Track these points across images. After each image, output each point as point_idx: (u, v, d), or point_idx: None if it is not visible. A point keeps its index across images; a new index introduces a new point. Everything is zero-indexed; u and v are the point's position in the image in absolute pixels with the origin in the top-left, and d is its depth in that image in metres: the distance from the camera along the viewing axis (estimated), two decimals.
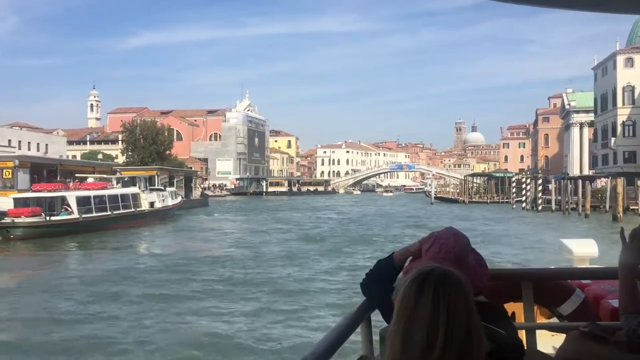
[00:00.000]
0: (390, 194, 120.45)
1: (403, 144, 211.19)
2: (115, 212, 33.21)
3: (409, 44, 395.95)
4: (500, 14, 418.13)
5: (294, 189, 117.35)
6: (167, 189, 42.92)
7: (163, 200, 40.46)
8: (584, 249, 5.26)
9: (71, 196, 30.27)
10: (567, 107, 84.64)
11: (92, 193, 31.75)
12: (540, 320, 3.40)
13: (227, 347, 10.17)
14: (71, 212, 29.91)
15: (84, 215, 30.25)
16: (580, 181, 48.42)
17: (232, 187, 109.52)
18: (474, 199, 73.38)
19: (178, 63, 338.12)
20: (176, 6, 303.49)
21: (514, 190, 61.59)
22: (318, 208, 60.37)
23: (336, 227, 35.40)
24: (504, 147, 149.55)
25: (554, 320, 3.27)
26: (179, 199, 45.26)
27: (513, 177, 76.20)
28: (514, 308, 2.98)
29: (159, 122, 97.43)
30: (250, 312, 12.77)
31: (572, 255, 5.25)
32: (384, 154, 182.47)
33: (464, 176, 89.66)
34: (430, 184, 77.95)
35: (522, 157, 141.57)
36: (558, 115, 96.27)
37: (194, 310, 13.09)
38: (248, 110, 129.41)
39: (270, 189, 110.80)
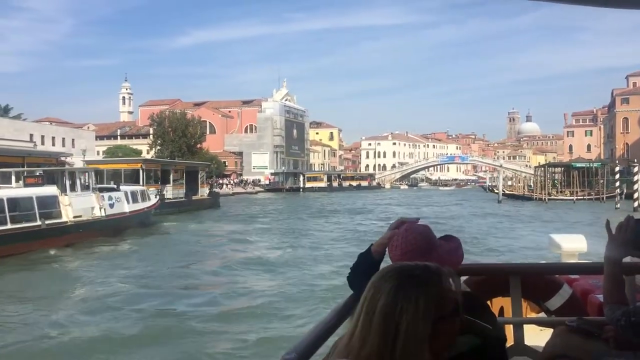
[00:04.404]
0: (447, 188, 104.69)
1: (453, 135, 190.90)
2: None
3: (455, 36, 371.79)
4: (549, 2, 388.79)
5: (335, 184, 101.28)
6: (123, 187, 27.83)
7: (112, 204, 25.57)
8: (573, 244, 4.97)
9: None
10: None
11: None
12: (530, 314, 3.26)
13: None
14: None
15: None
16: None
17: (267, 182, 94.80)
18: (553, 196, 55.79)
19: (222, 60, 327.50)
20: (222, 4, 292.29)
21: (617, 183, 44.15)
22: (360, 210, 44.26)
23: None
24: (567, 136, 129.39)
25: (543, 315, 3.11)
26: (151, 200, 30.28)
27: (600, 167, 58.82)
28: (503, 303, 2.95)
29: (190, 113, 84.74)
30: None
31: (561, 250, 4.97)
32: (434, 145, 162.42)
33: (535, 167, 71.51)
34: (497, 177, 60.48)
35: (589, 146, 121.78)
36: None
37: None
38: (286, 100, 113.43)
39: (308, 185, 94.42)
